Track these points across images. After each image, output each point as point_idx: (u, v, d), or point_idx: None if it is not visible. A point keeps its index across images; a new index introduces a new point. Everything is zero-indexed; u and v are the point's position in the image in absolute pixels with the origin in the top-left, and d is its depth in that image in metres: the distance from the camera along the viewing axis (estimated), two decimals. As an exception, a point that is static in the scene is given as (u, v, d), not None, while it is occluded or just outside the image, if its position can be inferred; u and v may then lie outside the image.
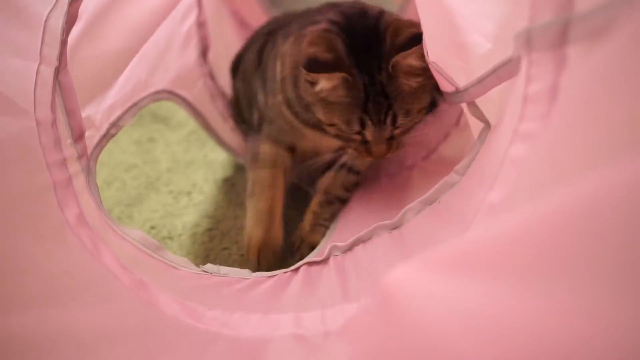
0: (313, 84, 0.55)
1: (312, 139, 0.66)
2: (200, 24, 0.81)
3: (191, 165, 0.88)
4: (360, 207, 0.73)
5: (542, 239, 0.21)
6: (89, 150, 0.55)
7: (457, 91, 0.48)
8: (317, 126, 0.61)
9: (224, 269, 0.56)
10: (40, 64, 0.48)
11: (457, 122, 0.75)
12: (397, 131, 0.58)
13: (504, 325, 0.21)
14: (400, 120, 0.56)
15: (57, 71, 0.49)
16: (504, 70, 0.37)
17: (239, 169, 0.87)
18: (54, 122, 0.49)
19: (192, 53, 0.81)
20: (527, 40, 0.30)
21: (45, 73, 0.49)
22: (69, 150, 0.51)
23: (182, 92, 0.77)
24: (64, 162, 0.49)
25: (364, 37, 0.56)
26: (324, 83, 0.54)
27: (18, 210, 0.42)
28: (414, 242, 0.50)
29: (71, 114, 0.52)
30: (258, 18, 1.03)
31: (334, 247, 0.57)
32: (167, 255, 0.54)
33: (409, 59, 0.53)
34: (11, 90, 0.45)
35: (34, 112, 0.47)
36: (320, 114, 0.58)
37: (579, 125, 0.26)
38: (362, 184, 0.79)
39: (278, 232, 0.63)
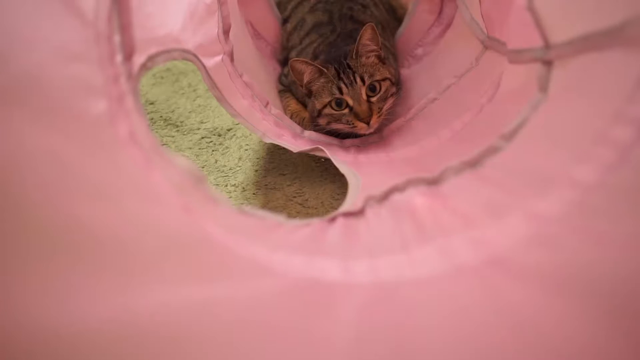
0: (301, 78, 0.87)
1: None
2: (222, 2, 0.81)
3: (202, 170, 0.89)
4: (383, 167, 0.72)
5: None
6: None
7: (546, 46, 0.46)
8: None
9: (261, 212, 0.56)
10: (102, -27, 0.47)
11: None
12: (373, 98, 0.83)
13: None
14: (367, 80, 0.83)
15: (116, -16, 0.48)
16: (601, 40, 0.35)
17: (248, 174, 0.88)
18: (110, 36, 0.48)
19: (215, 28, 0.80)
20: None
21: (106, -16, 0.47)
22: (120, 67, 0.49)
23: (205, 61, 0.77)
24: (117, 78, 0.47)
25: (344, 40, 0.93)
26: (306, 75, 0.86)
27: (72, 122, 0.41)
28: (461, 204, 0.49)
29: (124, 30, 0.51)
30: (270, 31, 1.08)
31: (369, 198, 0.56)
32: (209, 189, 0.53)
33: (363, 40, 0.83)
34: None
35: (95, 22, 0.45)
36: (317, 103, 0.86)
37: None
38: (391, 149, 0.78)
39: None
